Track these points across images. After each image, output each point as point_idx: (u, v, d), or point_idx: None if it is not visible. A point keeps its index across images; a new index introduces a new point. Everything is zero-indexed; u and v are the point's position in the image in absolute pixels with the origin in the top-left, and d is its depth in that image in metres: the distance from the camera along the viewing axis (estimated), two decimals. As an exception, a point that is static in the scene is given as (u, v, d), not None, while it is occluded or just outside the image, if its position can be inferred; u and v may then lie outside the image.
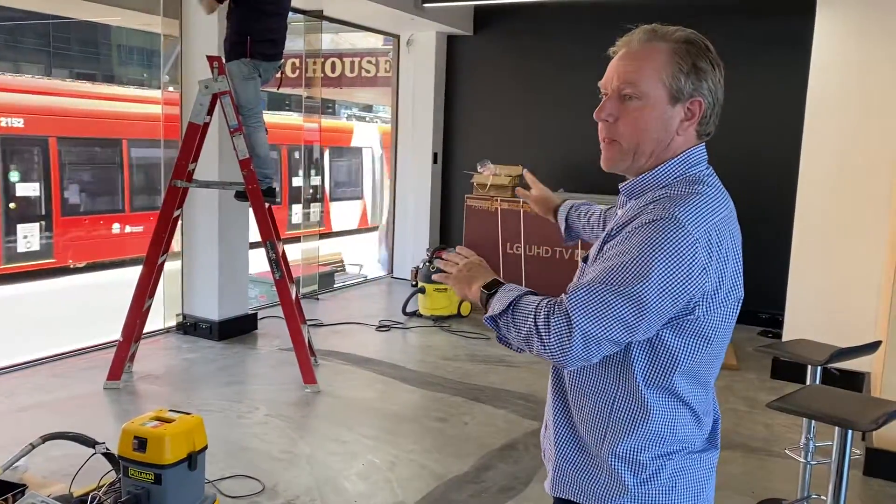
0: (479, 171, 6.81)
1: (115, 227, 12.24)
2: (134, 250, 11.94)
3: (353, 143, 17.07)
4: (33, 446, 3.02)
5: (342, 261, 11.20)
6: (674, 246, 1.27)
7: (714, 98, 1.48)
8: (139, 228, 12.20)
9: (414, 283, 7.21)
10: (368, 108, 22.33)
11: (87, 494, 2.93)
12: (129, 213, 12.38)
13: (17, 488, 2.85)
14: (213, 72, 4.44)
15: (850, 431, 2.49)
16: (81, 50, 25.80)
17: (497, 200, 6.60)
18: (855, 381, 4.69)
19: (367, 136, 17.48)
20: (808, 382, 3.18)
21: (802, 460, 3.10)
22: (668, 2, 6.66)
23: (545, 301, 1.35)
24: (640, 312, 1.26)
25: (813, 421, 2.98)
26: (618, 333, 1.27)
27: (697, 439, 1.45)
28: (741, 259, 1.43)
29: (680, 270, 1.27)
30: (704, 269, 1.30)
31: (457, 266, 1.55)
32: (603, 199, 6.35)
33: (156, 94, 12.78)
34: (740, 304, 1.44)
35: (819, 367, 3.10)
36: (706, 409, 1.47)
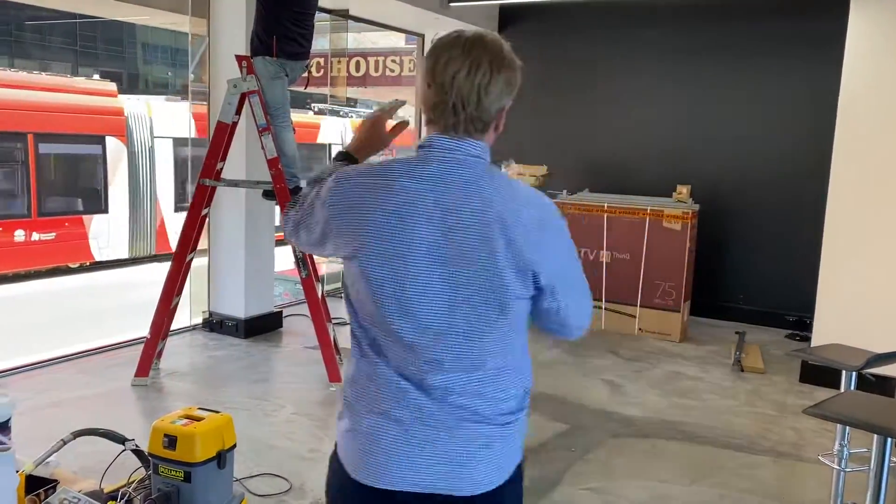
0: (502, 170, 6.78)
1: (19, 235, 10.86)
2: (43, 260, 10.95)
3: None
4: (64, 442, 3.05)
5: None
6: None
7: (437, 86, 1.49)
8: (50, 236, 11.09)
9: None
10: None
11: (117, 491, 2.95)
12: (35, 218, 11.03)
13: (49, 484, 2.88)
14: (241, 71, 4.46)
15: (889, 439, 2.44)
16: (106, 48, 26.07)
17: (521, 200, 6.56)
18: (886, 387, 4.62)
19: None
20: (842, 388, 3.13)
21: (836, 467, 3.05)
22: (698, 2, 6.62)
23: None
24: None
25: (847, 427, 2.93)
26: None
27: None
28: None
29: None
30: None
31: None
32: (628, 199, 6.32)
33: (76, 81, 12.37)
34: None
35: (854, 373, 3.05)
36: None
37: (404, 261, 1.42)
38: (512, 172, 6.67)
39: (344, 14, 6.84)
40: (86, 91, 11.67)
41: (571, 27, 7.20)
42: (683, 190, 6.23)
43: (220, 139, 4.56)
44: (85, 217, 11.63)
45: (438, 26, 7.37)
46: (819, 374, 4.88)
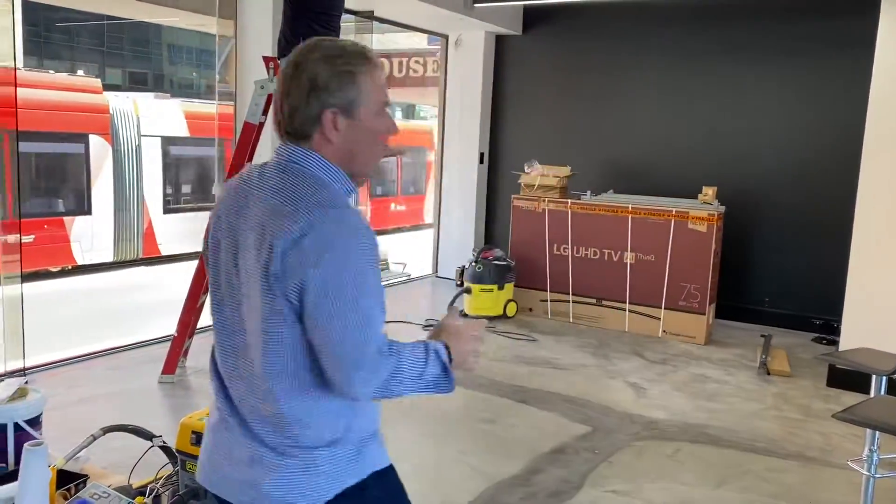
0: (526, 171, 6.78)
1: (-9, 239, 10.81)
2: (21, 264, 10.48)
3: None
4: (94, 438, 3.10)
5: (385, 259, 11.27)
6: None
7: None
8: (28, 238, 10.46)
9: (459, 282, 7.21)
10: (412, 108, 22.42)
11: (145, 486, 2.99)
12: (12, 219, 10.94)
13: (80, 478, 2.93)
14: (268, 72, 4.50)
15: (919, 445, 2.41)
16: (132, 49, 26.39)
17: (544, 201, 6.56)
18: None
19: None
20: (872, 392, 3.09)
21: (865, 472, 3.01)
22: (724, 2, 6.57)
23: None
24: None
25: (877, 432, 2.89)
26: None
27: None
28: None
29: None
30: None
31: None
32: (653, 200, 6.28)
33: (57, 76, 11.62)
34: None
35: (885, 377, 3.01)
36: None
37: (226, 260, 1.51)
38: (535, 173, 6.67)
39: (369, 15, 6.87)
40: (68, 87, 11.18)
41: (597, 27, 7.18)
42: (709, 191, 6.18)
43: (247, 139, 4.60)
44: (66, 219, 11.05)
45: (463, 27, 7.39)
46: (847, 378, 4.82)
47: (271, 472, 1.48)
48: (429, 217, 16.99)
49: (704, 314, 5.99)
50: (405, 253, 9.54)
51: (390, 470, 1.64)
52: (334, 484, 1.50)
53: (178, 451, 2.90)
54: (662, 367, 5.40)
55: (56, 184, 11.47)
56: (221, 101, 5.90)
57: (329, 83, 1.45)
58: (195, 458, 2.80)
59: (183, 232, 11.83)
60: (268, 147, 5.18)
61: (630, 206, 6.22)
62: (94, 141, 11.11)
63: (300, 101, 1.46)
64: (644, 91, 7.03)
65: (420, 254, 9.46)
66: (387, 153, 1.61)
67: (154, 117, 11.73)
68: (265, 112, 4.62)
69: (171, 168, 12.03)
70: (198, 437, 2.82)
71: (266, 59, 4.55)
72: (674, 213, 6.04)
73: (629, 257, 6.24)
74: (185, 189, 12.98)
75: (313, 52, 1.47)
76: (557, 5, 7.21)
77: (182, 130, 12.00)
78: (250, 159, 4.70)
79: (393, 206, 16.50)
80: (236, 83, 5.61)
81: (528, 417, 4.30)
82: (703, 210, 6.00)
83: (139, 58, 26.51)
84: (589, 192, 6.63)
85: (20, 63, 4.63)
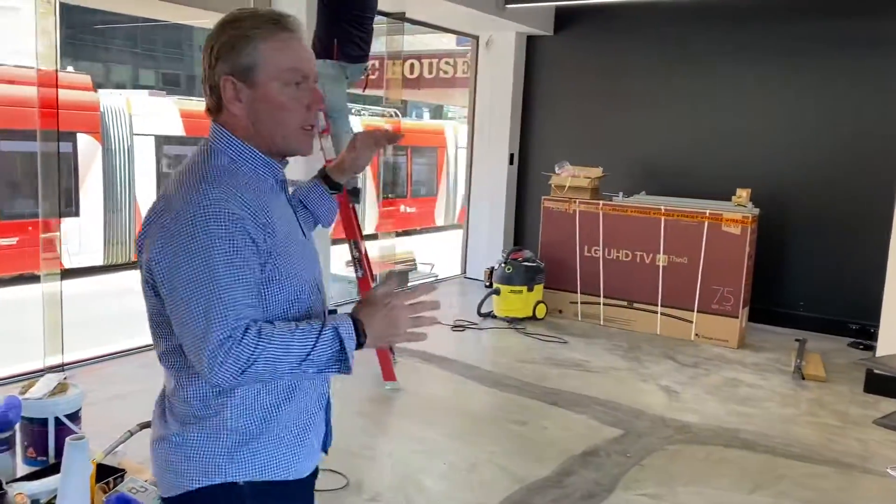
0: (557, 172, 6.75)
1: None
2: (4, 268, 9.91)
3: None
4: (131, 433, 3.14)
5: (414, 259, 11.28)
6: None
7: None
8: (11, 241, 10.10)
9: (488, 283, 7.20)
10: (439, 109, 22.48)
11: (181, 482, 3.03)
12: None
13: (117, 473, 2.97)
14: (302, 73, 4.52)
15: (965, 453, 2.35)
16: (165, 51, 26.77)
17: (575, 202, 6.53)
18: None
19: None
20: (913, 399, 3.02)
21: (906, 480, 2.95)
22: (753, 2, 6.49)
23: None
24: None
25: (919, 440, 2.83)
26: None
27: None
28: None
29: None
30: None
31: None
32: (686, 202, 6.22)
33: (44, 72, 11.76)
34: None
35: (926, 384, 2.95)
36: None
37: None
38: (566, 174, 6.63)
39: (401, 17, 6.90)
40: (55, 84, 10.91)
41: (628, 28, 7.13)
42: (743, 193, 6.10)
43: (280, 140, 4.64)
44: (52, 221, 10.28)
45: (494, 28, 7.39)
46: (885, 384, 4.73)
47: (155, 447, 1.48)
48: (440, 219, 16.97)
49: (738, 317, 5.91)
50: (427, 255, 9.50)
51: (284, 488, 1.48)
52: (202, 471, 1.42)
53: (213, 447, 2.93)
54: (695, 370, 5.35)
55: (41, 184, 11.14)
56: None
57: (222, 49, 1.40)
58: (231, 454, 2.85)
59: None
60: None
61: (663, 207, 6.17)
62: (83, 140, 10.61)
63: (205, 70, 1.43)
64: (677, 91, 6.96)
65: (429, 257, 9.51)
66: (308, 125, 1.48)
67: (148, 116, 11.22)
68: (298, 113, 4.65)
69: (167, 168, 11.41)
70: (233, 434, 2.85)
71: (300, 61, 4.57)
72: (707, 215, 5.97)
73: (661, 259, 6.18)
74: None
75: (222, 21, 1.43)
76: (590, 6, 7.17)
77: (178, 129, 11.47)
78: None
79: (403, 207, 16.23)
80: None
81: (559, 419, 4.28)
82: (736, 212, 5.93)
83: (172, 59, 26.89)
84: (621, 194, 6.58)
85: (58, 65, 4.72)
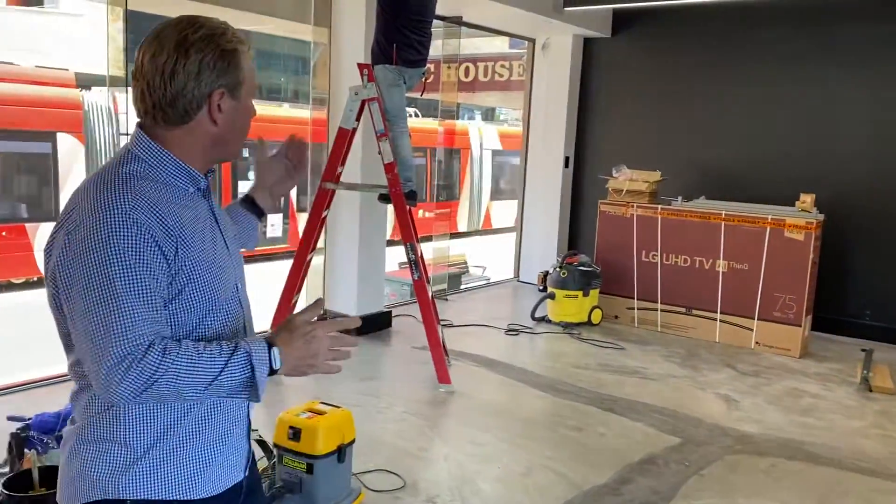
0: (614, 175, 6.68)
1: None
2: None
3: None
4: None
5: (466, 262, 11.28)
6: None
7: None
8: None
9: (542, 287, 7.17)
10: (491, 112, 22.47)
11: (243, 478, 3.10)
12: None
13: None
14: (362, 79, 4.59)
15: None
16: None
17: (633, 206, 6.45)
18: None
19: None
20: None
21: (984, 499, 2.83)
22: (819, 3, 6.32)
23: None
24: None
25: None
26: None
27: None
28: None
29: None
30: None
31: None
32: (747, 207, 6.08)
33: (24, 68, 10.06)
34: None
35: None
36: None
37: None
38: (624, 178, 6.56)
39: (458, 21, 6.92)
40: (35, 80, 9.93)
41: (687, 30, 7.02)
42: (807, 199, 5.93)
43: (340, 144, 4.72)
44: (29, 226, 9.79)
45: (551, 30, 7.36)
46: (958, 398, 4.54)
47: (64, 459, 1.44)
48: (462, 225, 16.74)
49: (800, 326, 5.76)
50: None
51: None
52: (87, 486, 1.37)
53: (275, 445, 3.00)
54: (755, 379, 5.22)
55: (18, 187, 10.11)
56: (314, 107, 6.03)
57: (217, 62, 1.39)
58: (292, 452, 2.91)
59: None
60: (359, 150, 5.30)
61: (723, 212, 6.04)
62: (64, 139, 9.91)
63: (184, 80, 1.39)
64: (737, 94, 6.82)
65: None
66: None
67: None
68: (358, 117, 4.72)
69: None
70: (294, 432, 2.91)
71: (360, 66, 4.64)
72: (769, 220, 5.83)
73: (721, 265, 6.06)
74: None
75: (196, 27, 1.39)
76: (648, 8, 7.07)
77: None
78: (343, 163, 4.81)
79: (421, 212, 15.93)
80: (329, 89, 5.75)
81: (615, 426, 4.23)
82: (800, 218, 5.78)
83: (231, 64, 27.40)
84: (680, 198, 6.48)
85: (126, 70, 4.88)
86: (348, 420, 3.04)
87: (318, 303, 1.47)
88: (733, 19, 6.70)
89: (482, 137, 17.02)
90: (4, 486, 2.60)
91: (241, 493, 1.53)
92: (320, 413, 2.98)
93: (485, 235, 16.67)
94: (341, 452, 2.96)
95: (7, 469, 2.84)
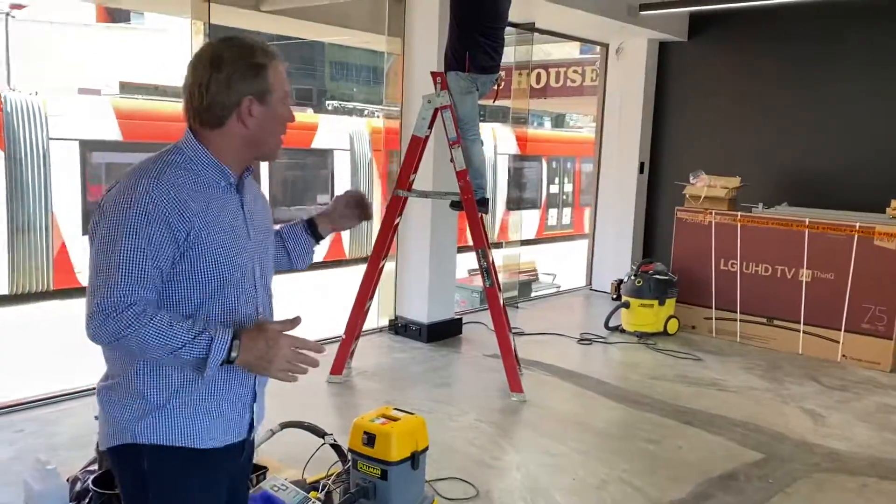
0: (691, 182, 6.51)
1: None
2: None
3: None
4: (273, 432, 3.29)
5: (536, 270, 11.18)
6: None
7: None
8: None
9: (616, 296, 7.04)
10: (561, 118, 22.29)
11: (318, 482, 3.13)
12: None
13: (260, 470, 3.11)
14: (435, 87, 4.61)
15: None
16: (299, 67, 28.04)
17: (711, 213, 6.27)
18: None
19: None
20: None
21: None
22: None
23: None
24: None
25: None
26: None
27: None
28: None
29: None
30: None
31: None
32: (833, 214, 5.83)
33: None
34: None
35: None
36: None
37: None
38: (701, 184, 6.39)
39: (530, 27, 6.89)
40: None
41: (767, 31, 6.79)
42: (899, 205, 5.65)
43: (413, 152, 4.75)
44: None
45: (625, 35, 7.24)
46: None
47: (100, 409, 1.69)
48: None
49: (892, 339, 5.47)
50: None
51: (185, 454, 1.63)
52: (116, 431, 1.63)
53: (350, 450, 3.01)
54: (842, 393, 4.99)
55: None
56: (388, 116, 6.11)
57: (247, 74, 1.63)
58: (367, 457, 2.92)
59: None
60: (431, 158, 5.32)
61: (807, 219, 5.81)
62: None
63: (216, 91, 1.63)
64: (821, 96, 6.55)
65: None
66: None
67: (73, 117, 9.51)
68: (431, 125, 4.74)
69: (96, 179, 9.68)
70: (369, 438, 2.92)
71: (434, 75, 4.66)
72: (857, 228, 5.57)
73: (805, 275, 5.82)
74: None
75: (230, 45, 1.65)
76: (725, 11, 6.87)
77: (112, 133, 9.70)
78: (415, 170, 4.84)
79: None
80: (402, 98, 5.80)
81: (694, 440, 4.10)
82: (891, 225, 5.50)
83: (306, 75, 28.14)
84: (760, 205, 6.26)
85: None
86: (422, 427, 3.03)
87: (296, 320, 1.66)
88: (817, 18, 6.44)
89: (496, 141, 15.01)
90: (94, 483, 2.71)
91: (242, 453, 1.81)
92: (394, 419, 2.98)
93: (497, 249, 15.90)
94: (415, 459, 2.95)
95: (96, 467, 2.95)
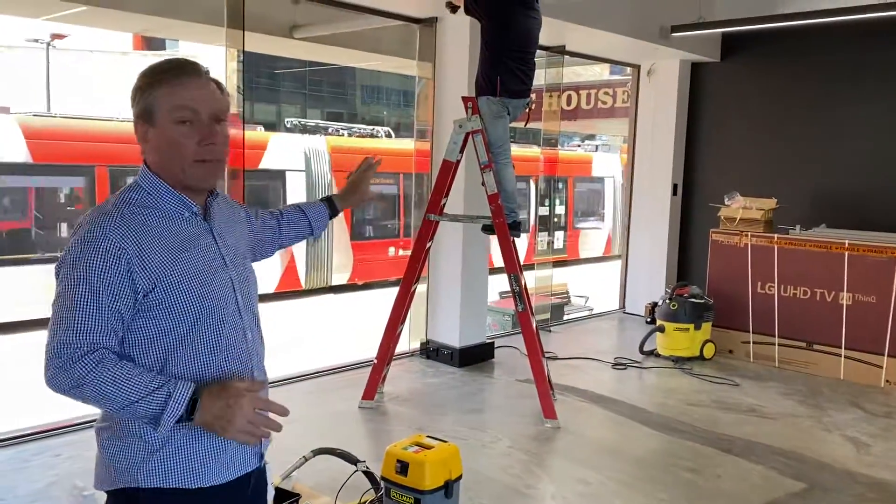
0: (726, 203, 6.42)
1: None
2: None
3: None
4: (305, 459, 3.28)
5: (567, 292, 11.06)
6: None
7: None
8: None
9: (650, 319, 6.94)
10: (591, 138, 22.24)
11: (351, 510, 3.11)
12: None
13: (293, 497, 3.09)
14: (466, 111, 4.61)
15: None
16: (330, 91, 28.39)
17: (747, 235, 6.16)
18: None
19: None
20: None
21: None
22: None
23: None
24: None
25: None
26: None
27: None
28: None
29: None
30: None
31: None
32: (873, 235, 5.69)
33: None
34: None
35: None
36: None
37: None
38: (737, 206, 6.29)
39: (561, 50, 6.89)
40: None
41: (801, 52, 6.70)
42: (942, 226, 5.51)
43: (444, 176, 4.75)
44: None
45: (657, 56, 7.21)
46: None
47: (98, 449, 1.63)
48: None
49: (938, 364, 5.31)
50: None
51: (183, 496, 1.56)
52: (113, 475, 1.56)
53: (383, 478, 2.99)
54: (887, 420, 4.84)
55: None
56: (418, 139, 6.14)
57: (134, 96, 1.58)
58: (400, 486, 2.89)
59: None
60: (461, 181, 5.32)
61: (846, 241, 5.68)
62: None
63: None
64: (859, 115, 6.44)
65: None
66: (200, 158, 1.59)
67: None
68: (462, 150, 4.74)
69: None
70: (402, 466, 2.90)
71: (465, 100, 4.67)
72: (899, 249, 5.44)
73: (845, 298, 5.68)
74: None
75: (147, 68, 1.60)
76: (758, 31, 6.79)
77: (20, 154, 8.97)
78: (446, 194, 4.84)
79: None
80: (433, 122, 5.82)
81: (733, 468, 4.00)
82: (935, 247, 5.36)
83: (336, 99, 28.49)
84: (798, 227, 6.14)
85: (243, 108, 5.13)
86: (455, 455, 3.00)
87: (262, 383, 1.65)
88: (851, 38, 6.34)
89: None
90: None
91: (249, 487, 1.69)
92: (427, 447, 2.95)
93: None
94: (449, 488, 2.92)
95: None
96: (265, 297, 10.84)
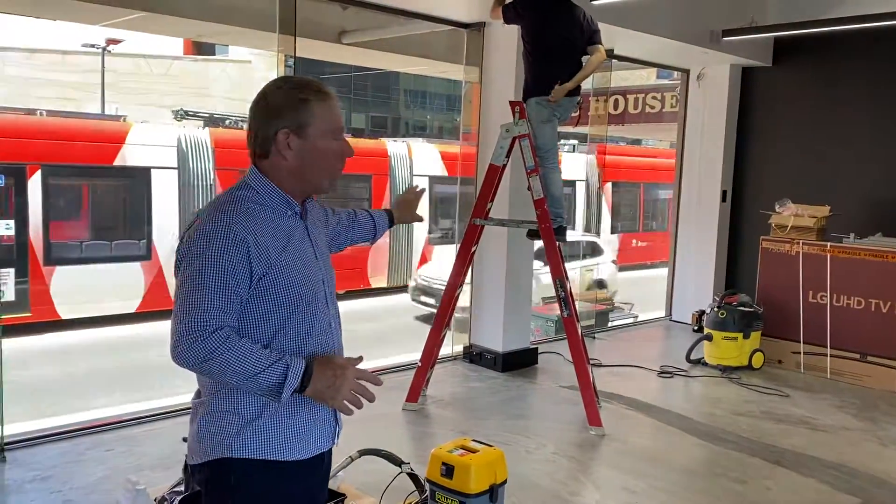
0: (777, 210, 6.29)
1: None
2: None
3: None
4: (352, 459, 3.30)
5: (611, 298, 10.96)
6: None
7: None
8: None
9: (697, 328, 6.84)
10: (636, 143, 22.02)
11: (396, 511, 3.13)
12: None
13: (339, 497, 3.11)
14: (514, 116, 4.61)
15: None
16: (374, 96, 28.62)
17: (799, 243, 6.03)
18: None
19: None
20: None
21: None
22: None
23: None
24: None
25: None
26: None
27: None
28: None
29: None
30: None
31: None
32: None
33: None
34: None
35: None
36: None
37: None
38: (788, 213, 6.16)
39: (609, 54, 6.82)
40: None
41: (857, 55, 6.54)
42: None
43: (490, 181, 4.75)
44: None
45: (707, 61, 7.11)
46: None
47: (193, 425, 1.77)
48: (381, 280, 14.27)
49: None
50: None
51: (271, 468, 1.69)
52: (207, 447, 1.70)
53: (427, 480, 3.00)
54: (947, 437, 4.68)
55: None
56: (465, 143, 6.15)
57: (283, 108, 1.72)
58: (445, 489, 2.90)
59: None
60: (507, 186, 5.31)
61: (903, 250, 5.52)
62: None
63: (257, 123, 1.75)
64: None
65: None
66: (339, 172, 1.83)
67: None
68: (508, 154, 4.73)
69: None
70: (447, 469, 2.90)
71: (512, 104, 4.66)
72: (960, 260, 5.26)
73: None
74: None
75: (276, 83, 1.78)
76: (811, 35, 6.64)
77: None
78: (492, 199, 4.84)
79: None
80: (479, 126, 5.83)
81: (783, 481, 3.91)
82: None
83: (380, 103, 28.71)
84: (852, 235, 5.98)
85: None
86: (501, 460, 2.99)
87: (359, 358, 1.77)
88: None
89: (411, 161, 12.87)
90: (181, 503, 2.76)
91: (324, 462, 1.87)
92: (472, 451, 2.95)
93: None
94: (493, 492, 2.91)
95: (182, 487, 3.02)
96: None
